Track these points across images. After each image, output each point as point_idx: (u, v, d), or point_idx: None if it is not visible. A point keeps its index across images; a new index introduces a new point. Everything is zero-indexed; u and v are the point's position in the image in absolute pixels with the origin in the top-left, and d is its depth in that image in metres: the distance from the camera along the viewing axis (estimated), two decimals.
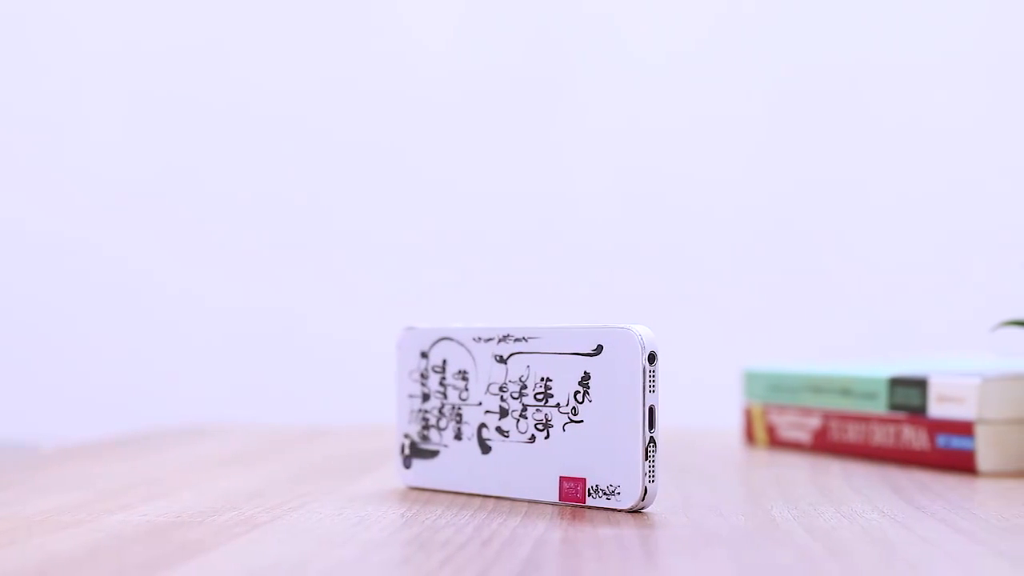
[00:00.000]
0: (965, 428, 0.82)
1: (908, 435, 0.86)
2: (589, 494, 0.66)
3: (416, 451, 0.75)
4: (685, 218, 1.56)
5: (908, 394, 0.86)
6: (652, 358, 0.65)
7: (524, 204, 1.58)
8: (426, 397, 0.74)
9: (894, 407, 0.87)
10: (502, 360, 0.70)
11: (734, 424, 1.21)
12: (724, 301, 1.55)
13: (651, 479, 0.65)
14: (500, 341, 0.71)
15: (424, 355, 0.74)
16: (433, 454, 0.74)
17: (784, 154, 1.55)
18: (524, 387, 0.69)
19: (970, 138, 1.53)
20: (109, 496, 0.73)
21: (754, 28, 1.56)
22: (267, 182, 1.61)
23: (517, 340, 0.70)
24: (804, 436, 0.96)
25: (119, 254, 1.62)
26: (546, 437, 0.68)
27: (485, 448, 0.71)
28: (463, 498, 0.71)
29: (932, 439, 0.84)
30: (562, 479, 0.67)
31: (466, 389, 0.72)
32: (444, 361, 0.73)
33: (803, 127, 1.55)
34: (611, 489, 0.65)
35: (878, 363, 0.99)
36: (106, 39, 1.63)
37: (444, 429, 0.73)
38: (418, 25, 1.60)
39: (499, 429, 0.70)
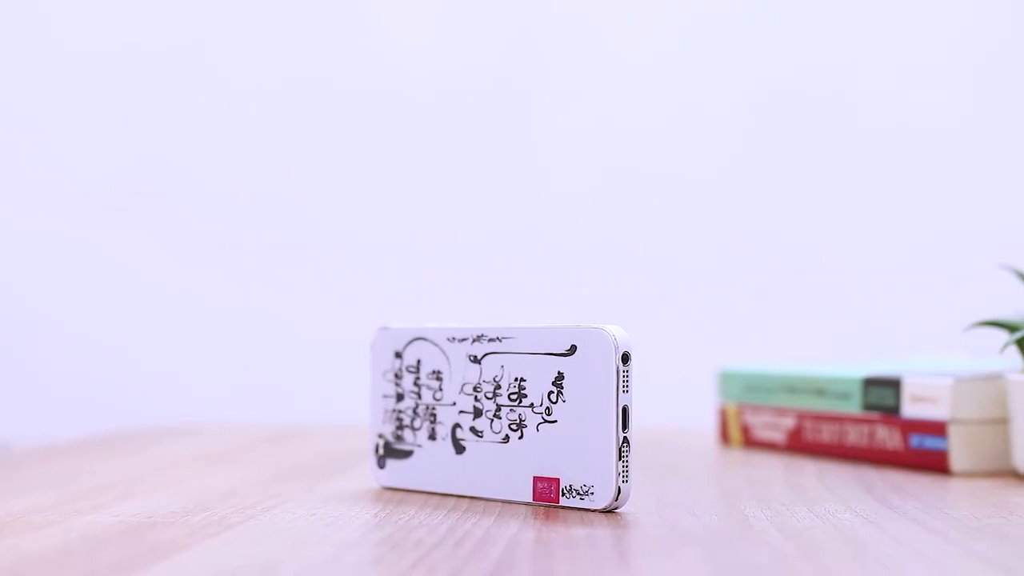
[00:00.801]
0: (938, 428, 0.82)
1: (882, 435, 0.86)
2: (563, 494, 0.66)
3: (390, 451, 0.75)
4: (662, 218, 1.56)
5: (882, 394, 0.86)
6: (626, 358, 0.65)
7: (502, 204, 1.58)
8: (400, 397, 0.74)
9: (868, 407, 0.87)
10: (476, 360, 0.70)
11: (709, 425, 1.21)
12: (700, 301, 1.55)
13: (624, 479, 0.65)
14: (474, 341, 0.71)
15: (398, 355, 0.74)
16: (407, 454, 0.74)
17: (761, 156, 1.56)
18: (498, 387, 0.69)
19: (951, 140, 1.53)
20: (82, 496, 0.72)
21: (735, 27, 1.57)
22: (248, 180, 1.61)
23: (491, 340, 0.70)
24: (779, 436, 0.96)
25: (106, 254, 1.62)
26: (520, 437, 0.68)
27: (459, 448, 0.71)
28: (437, 498, 0.71)
29: (906, 439, 0.84)
30: (536, 479, 0.67)
31: (440, 389, 0.72)
32: (418, 361, 0.73)
33: (780, 129, 1.55)
34: (585, 489, 0.65)
35: (852, 363, 0.99)
36: (100, 38, 1.62)
37: (418, 429, 0.73)
38: (397, 24, 1.59)
39: (473, 429, 0.70)
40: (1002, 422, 0.82)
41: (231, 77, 1.61)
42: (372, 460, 0.76)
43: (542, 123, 1.58)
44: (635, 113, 1.57)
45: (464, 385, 0.71)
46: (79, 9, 1.63)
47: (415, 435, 0.73)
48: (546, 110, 1.58)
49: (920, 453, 0.83)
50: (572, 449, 0.66)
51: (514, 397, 0.68)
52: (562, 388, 0.66)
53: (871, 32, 1.55)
